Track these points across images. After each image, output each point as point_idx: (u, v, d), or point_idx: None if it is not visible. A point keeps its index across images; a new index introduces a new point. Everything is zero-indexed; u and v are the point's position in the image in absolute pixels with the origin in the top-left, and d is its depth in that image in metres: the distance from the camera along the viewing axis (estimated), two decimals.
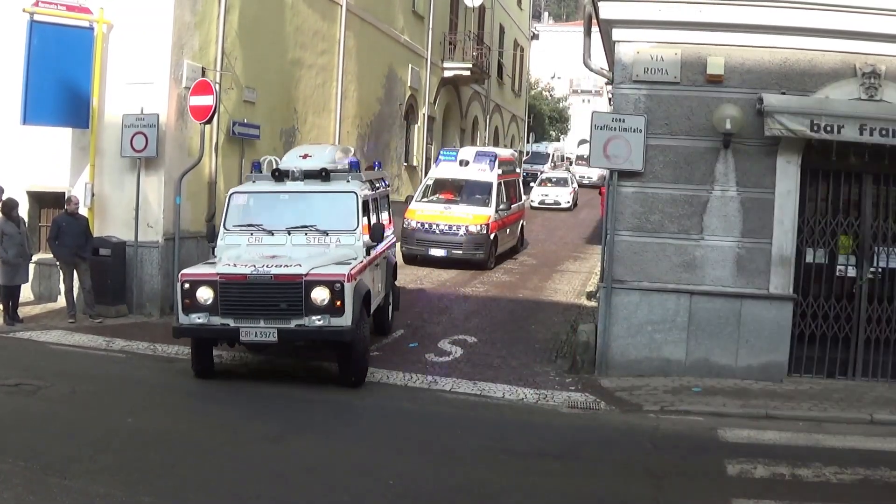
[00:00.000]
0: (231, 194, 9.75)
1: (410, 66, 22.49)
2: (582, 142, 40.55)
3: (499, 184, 18.29)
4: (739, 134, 9.04)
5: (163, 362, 9.76)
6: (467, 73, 26.16)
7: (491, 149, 21.06)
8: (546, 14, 67.64)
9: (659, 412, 8.24)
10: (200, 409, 7.90)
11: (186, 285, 8.43)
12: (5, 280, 11.30)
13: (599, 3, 9.30)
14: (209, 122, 12.28)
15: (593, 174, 38.26)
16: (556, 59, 50.72)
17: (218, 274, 8.43)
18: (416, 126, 23.67)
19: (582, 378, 9.47)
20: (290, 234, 9.32)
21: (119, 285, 12.00)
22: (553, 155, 41.86)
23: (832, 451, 7.18)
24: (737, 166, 9.19)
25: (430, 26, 23.77)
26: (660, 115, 9.31)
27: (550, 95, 51.70)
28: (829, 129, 8.55)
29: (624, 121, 9.28)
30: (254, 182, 9.95)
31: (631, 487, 6.31)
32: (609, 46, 10.11)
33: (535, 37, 42.35)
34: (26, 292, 12.24)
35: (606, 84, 15.55)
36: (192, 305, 8.39)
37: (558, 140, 50.56)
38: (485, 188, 18.09)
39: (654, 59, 9.23)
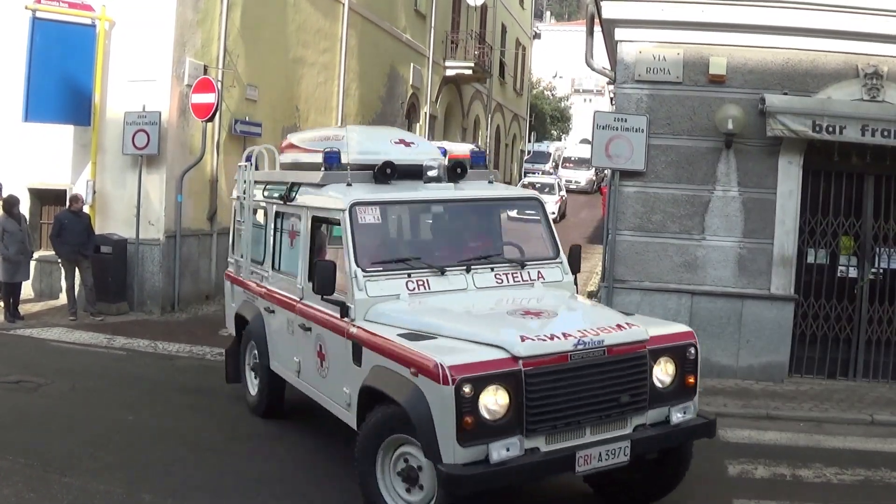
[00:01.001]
0: (353, 207, 5.73)
1: (412, 64, 22.49)
2: (584, 141, 40.06)
3: None
4: (741, 134, 9.04)
5: (163, 360, 9.77)
6: (469, 72, 26.17)
7: (439, 144, 17.44)
8: (548, 13, 67.62)
9: None
10: (201, 407, 7.89)
11: (466, 388, 4.48)
12: (6, 277, 11.32)
13: (602, 3, 9.30)
14: (211, 119, 12.30)
15: (581, 178, 35.22)
16: (558, 59, 50.62)
17: (516, 358, 4.67)
18: (418, 125, 23.66)
19: None
20: (468, 271, 5.88)
21: (120, 283, 12.01)
22: (554, 154, 41.60)
23: (833, 452, 7.18)
24: (738, 166, 9.19)
25: (432, 25, 23.78)
26: (662, 114, 9.31)
27: (552, 95, 51.69)
28: (830, 129, 8.55)
29: (626, 120, 9.28)
30: (349, 185, 6.02)
31: None
32: (611, 46, 10.10)
33: (536, 36, 42.33)
34: (27, 289, 12.26)
35: (608, 84, 15.52)
36: (476, 427, 4.51)
37: (560, 139, 50.54)
38: None
39: (656, 58, 9.23)
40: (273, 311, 6.96)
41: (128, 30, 12.10)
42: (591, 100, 56.34)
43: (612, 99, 16.45)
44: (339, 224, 5.83)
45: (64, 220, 11.47)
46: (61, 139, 12.36)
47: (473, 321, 5.32)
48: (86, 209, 11.95)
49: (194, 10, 12.47)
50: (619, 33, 9.39)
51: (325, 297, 5.64)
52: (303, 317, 6.30)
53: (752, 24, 8.96)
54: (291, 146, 7.49)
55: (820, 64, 9.02)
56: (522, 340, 4.75)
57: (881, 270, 9.27)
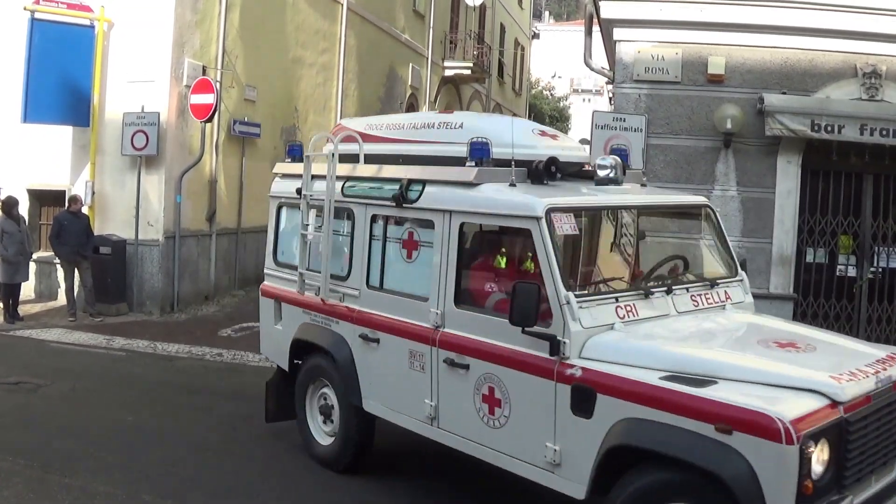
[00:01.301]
0: (549, 213, 4.58)
1: (411, 64, 22.49)
2: (583, 141, 40.10)
3: None
4: (740, 134, 9.06)
5: (163, 360, 9.78)
6: (468, 72, 26.15)
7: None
8: (547, 13, 67.64)
9: None
10: (201, 407, 7.89)
11: (811, 447, 3.68)
12: (6, 278, 11.33)
13: (601, 3, 9.31)
14: (210, 120, 12.31)
15: None
16: (557, 59, 50.70)
17: (837, 404, 3.89)
18: None
19: None
20: (669, 292, 4.96)
21: (119, 283, 12.01)
22: None
23: None
24: (737, 166, 9.20)
25: (431, 25, 23.77)
26: (660, 114, 9.32)
27: (551, 95, 51.69)
28: (829, 129, 8.57)
29: (625, 120, 9.29)
30: (513, 185, 4.91)
31: None
32: (610, 46, 10.12)
33: (535, 36, 42.33)
34: (27, 290, 12.26)
35: (607, 83, 15.55)
36: (813, 491, 3.72)
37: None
38: None
39: (655, 58, 9.25)
40: (376, 340, 5.65)
41: (126, 30, 12.11)
42: (589, 100, 56.33)
43: (610, 99, 16.47)
44: (509, 233, 5.02)
45: (63, 221, 11.48)
46: (60, 140, 12.36)
47: (749, 358, 4.36)
48: (85, 210, 11.96)
49: (193, 11, 12.48)
50: (618, 33, 9.40)
51: (526, 329, 4.45)
52: (450, 350, 5.07)
53: (751, 24, 8.97)
54: (359, 134, 6.10)
55: (819, 63, 9.04)
56: (839, 382, 3.99)
57: (880, 269, 9.28)
